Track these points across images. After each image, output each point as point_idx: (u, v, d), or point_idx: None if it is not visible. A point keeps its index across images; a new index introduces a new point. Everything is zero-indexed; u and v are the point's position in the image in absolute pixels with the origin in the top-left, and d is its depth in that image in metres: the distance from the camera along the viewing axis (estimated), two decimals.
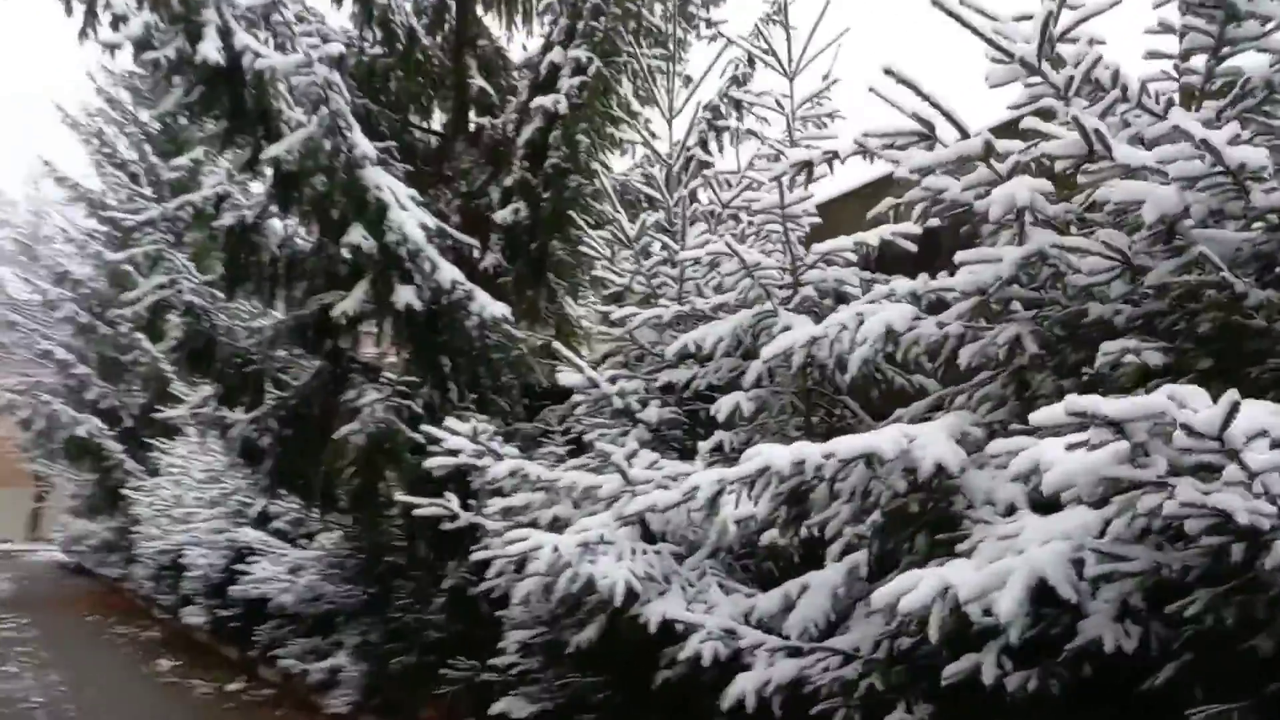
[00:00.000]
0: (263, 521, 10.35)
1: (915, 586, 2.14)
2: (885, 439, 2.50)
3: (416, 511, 4.40)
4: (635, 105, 6.02)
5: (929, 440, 2.58)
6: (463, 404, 5.82)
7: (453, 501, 4.49)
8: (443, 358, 5.97)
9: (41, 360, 20.36)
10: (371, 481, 5.88)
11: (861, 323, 3.13)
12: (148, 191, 10.78)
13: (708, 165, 5.13)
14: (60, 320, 20.29)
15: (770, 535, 3.43)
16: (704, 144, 6.18)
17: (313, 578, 8.87)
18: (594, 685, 4.15)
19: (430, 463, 4.20)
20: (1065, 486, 1.99)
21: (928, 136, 3.35)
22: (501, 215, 6.11)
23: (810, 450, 2.66)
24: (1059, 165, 2.86)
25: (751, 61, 6.96)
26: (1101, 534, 2.14)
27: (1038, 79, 2.84)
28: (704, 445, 3.87)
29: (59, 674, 10.67)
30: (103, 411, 19.25)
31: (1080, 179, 2.89)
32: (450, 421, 4.32)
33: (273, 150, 5.32)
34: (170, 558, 12.34)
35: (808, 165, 3.61)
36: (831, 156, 3.56)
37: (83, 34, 5.88)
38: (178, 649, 12.10)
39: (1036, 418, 1.96)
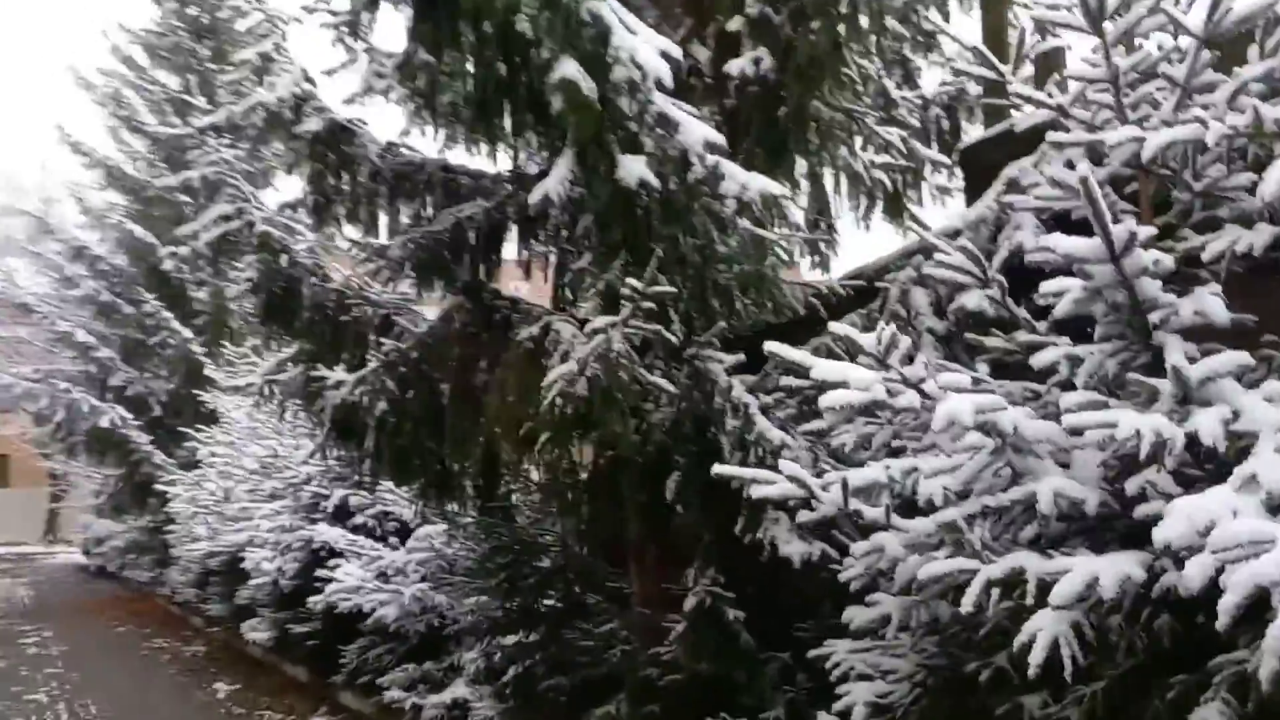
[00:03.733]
0: (340, 516, 8.53)
1: None
2: None
3: (759, 493, 2.54)
4: None
5: None
6: (698, 341, 3.94)
7: (804, 474, 2.62)
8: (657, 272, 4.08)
9: (59, 345, 18.53)
10: (563, 453, 4.03)
11: None
12: (201, 102, 8.92)
13: None
14: (79, 300, 18.46)
15: None
16: None
17: (419, 585, 7.06)
18: None
19: (831, 399, 2.32)
20: None
21: None
22: (738, 66, 4.23)
23: None
24: None
25: None
26: None
27: None
28: None
29: (97, 703, 8.89)
30: (128, 399, 17.48)
31: None
32: (840, 327, 2.45)
33: None
34: (221, 560, 10.52)
35: None
36: None
37: None
38: (233, 668, 10.30)
39: None
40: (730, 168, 3.63)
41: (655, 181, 3.57)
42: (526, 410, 4.16)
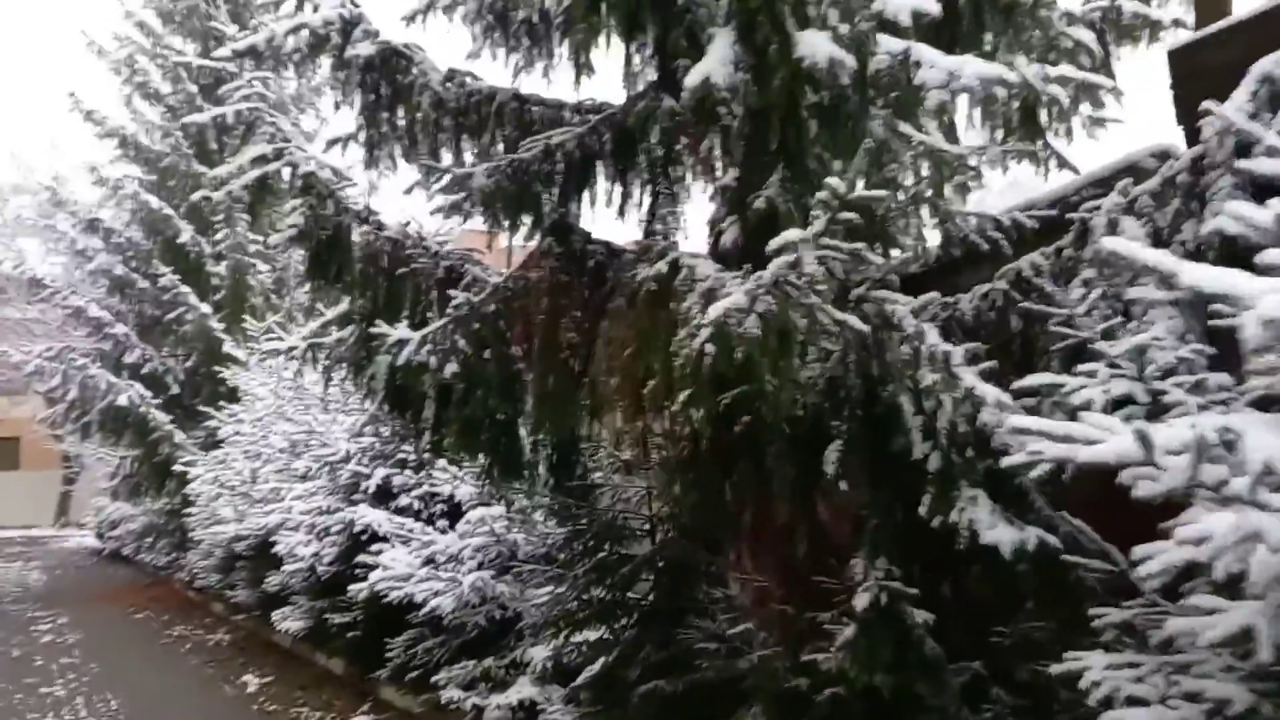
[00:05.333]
0: (382, 497, 7.82)
1: None
2: None
3: (1086, 456, 1.79)
4: None
5: None
6: (870, 279, 3.18)
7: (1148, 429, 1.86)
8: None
9: (72, 322, 17.79)
10: (706, 417, 3.28)
11: None
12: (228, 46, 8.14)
13: None
14: (92, 274, 17.75)
15: None
16: None
17: (479, 573, 6.34)
18: None
19: (1261, 311, 1.56)
20: None
21: None
22: None
23: None
24: None
25: None
26: None
27: None
28: None
29: (118, 697, 8.21)
30: (145, 377, 16.77)
31: None
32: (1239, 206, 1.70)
33: None
34: (248, 545, 9.83)
35: None
36: None
37: None
38: (262, 660, 9.61)
39: None
40: (928, 52, 2.85)
41: (851, 61, 2.79)
42: (647, 365, 3.42)
